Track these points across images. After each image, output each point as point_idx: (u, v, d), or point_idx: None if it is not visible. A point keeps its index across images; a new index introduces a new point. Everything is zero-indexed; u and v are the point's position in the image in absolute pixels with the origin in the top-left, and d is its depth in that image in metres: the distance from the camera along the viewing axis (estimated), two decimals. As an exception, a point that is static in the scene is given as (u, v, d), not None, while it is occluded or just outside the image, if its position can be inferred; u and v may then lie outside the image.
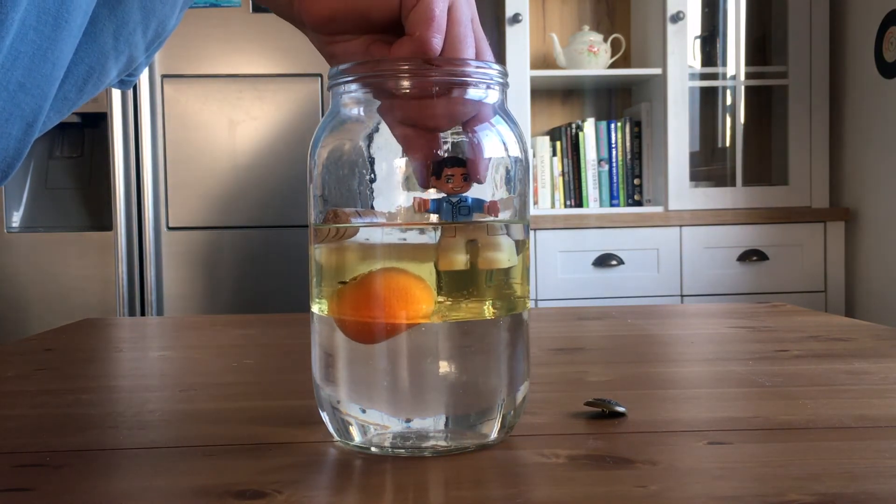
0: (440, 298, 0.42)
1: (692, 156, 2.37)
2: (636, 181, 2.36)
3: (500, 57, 2.32)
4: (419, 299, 0.42)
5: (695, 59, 2.44)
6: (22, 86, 0.36)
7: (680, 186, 2.23)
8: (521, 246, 0.45)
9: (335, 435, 0.45)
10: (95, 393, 0.61)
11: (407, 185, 0.42)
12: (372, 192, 0.43)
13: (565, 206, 2.35)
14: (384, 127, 0.44)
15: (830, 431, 0.46)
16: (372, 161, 0.43)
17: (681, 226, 2.19)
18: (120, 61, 0.42)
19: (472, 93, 0.44)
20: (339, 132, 0.45)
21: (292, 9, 0.46)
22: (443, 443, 0.43)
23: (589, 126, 2.35)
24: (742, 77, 2.38)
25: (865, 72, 2.20)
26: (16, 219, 2.05)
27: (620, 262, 2.16)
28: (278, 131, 2.03)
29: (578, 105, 2.58)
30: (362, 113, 0.45)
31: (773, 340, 0.79)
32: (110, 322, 1.05)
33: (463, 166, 0.42)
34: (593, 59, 2.32)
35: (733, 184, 2.32)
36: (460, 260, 0.42)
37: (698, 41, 2.46)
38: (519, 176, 0.45)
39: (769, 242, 2.22)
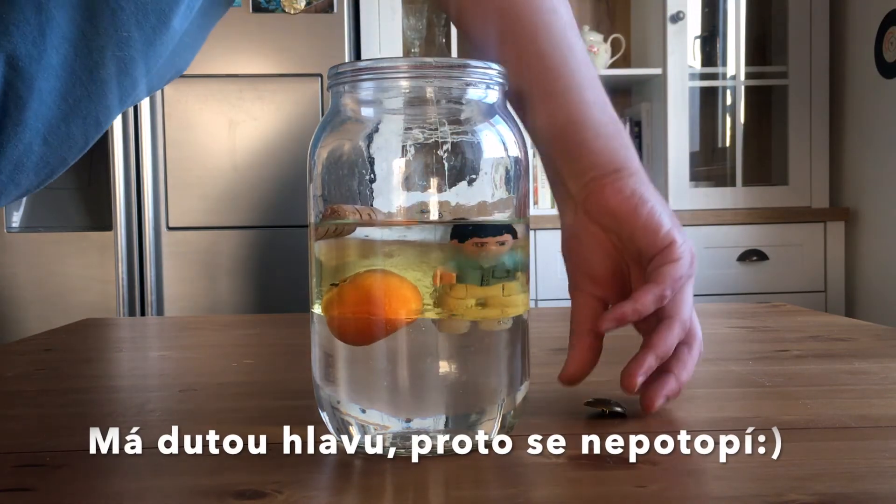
0: (436, 301, 0.42)
1: (692, 156, 2.36)
2: (636, 181, 2.36)
3: (500, 57, 2.32)
4: (404, 298, 0.42)
5: (695, 59, 2.44)
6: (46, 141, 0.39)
7: (680, 186, 2.23)
8: (522, 250, 0.45)
9: (335, 435, 0.45)
10: (95, 393, 0.61)
11: (406, 185, 0.42)
12: (372, 193, 0.43)
13: (565, 206, 2.35)
14: (384, 127, 0.44)
15: (830, 431, 0.46)
16: (372, 161, 0.43)
17: (681, 226, 2.18)
18: (117, 113, 0.44)
19: (472, 93, 0.44)
20: (339, 132, 0.45)
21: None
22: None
23: (589, 126, 2.34)
24: (742, 77, 2.38)
25: (865, 72, 2.20)
26: (16, 219, 2.05)
27: (620, 262, 2.16)
28: (278, 131, 2.03)
29: (578, 105, 2.58)
30: (362, 113, 0.45)
31: (773, 340, 0.79)
32: (110, 322, 1.05)
33: (491, 235, 0.42)
34: (593, 59, 2.32)
35: (733, 184, 2.32)
36: (463, 325, 0.42)
37: (698, 41, 2.46)
38: (519, 176, 0.45)
39: (769, 242, 2.21)
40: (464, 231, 0.42)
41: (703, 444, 0.44)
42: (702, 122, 2.54)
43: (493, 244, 0.43)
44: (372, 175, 0.43)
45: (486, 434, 0.44)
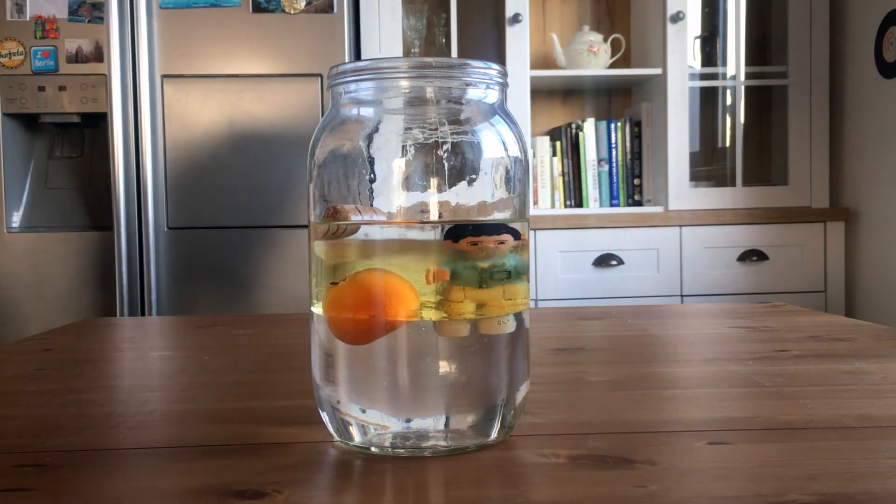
0: (438, 299, 0.42)
1: (692, 156, 2.36)
2: (636, 181, 2.36)
3: (501, 57, 2.32)
4: (403, 297, 0.42)
5: (695, 59, 2.44)
6: None
7: (680, 186, 2.23)
8: (521, 250, 0.45)
9: (335, 435, 0.45)
10: (95, 393, 0.61)
11: (406, 185, 0.42)
12: (371, 192, 0.43)
13: (565, 206, 2.35)
14: (384, 127, 0.44)
15: (830, 431, 0.46)
16: (371, 161, 0.43)
17: (681, 226, 2.19)
18: None
19: (472, 93, 0.44)
20: (339, 132, 0.45)
21: None
22: (443, 443, 0.43)
23: (589, 126, 2.35)
24: (742, 77, 2.38)
25: (865, 72, 2.20)
26: (16, 219, 2.05)
27: (620, 262, 2.16)
28: (278, 131, 2.03)
29: (578, 105, 2.58)
30: (362, 113, 0.45)
31: (773, 340, 0.79)
32: (110, 322, 1.05)
33: (486, 234, 0.42)
34: (593, 59, 2.32)
35: (733, 184, 2.32)
36: (464, 329, 0.42)
37: (698, 41, 2.46)
38: (518, 176, 0.45)
39: (769, 242, 2.21)
40: (457, 231, 0.42)
41: (703, 444, 0.44)
42: (702, 122, 2.54)
43: (491, 243, 0.42)
44: (372, 175, 0.43)
45: (486, 434, 0.44)
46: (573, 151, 2.36)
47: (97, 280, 2.01)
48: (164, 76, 2.01)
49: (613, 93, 2.59)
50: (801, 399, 0.54)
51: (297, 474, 0.40)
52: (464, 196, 0.43)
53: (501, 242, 0.43)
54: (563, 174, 2.36)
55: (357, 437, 0.43)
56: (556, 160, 2.35)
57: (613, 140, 2.35)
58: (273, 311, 2.02)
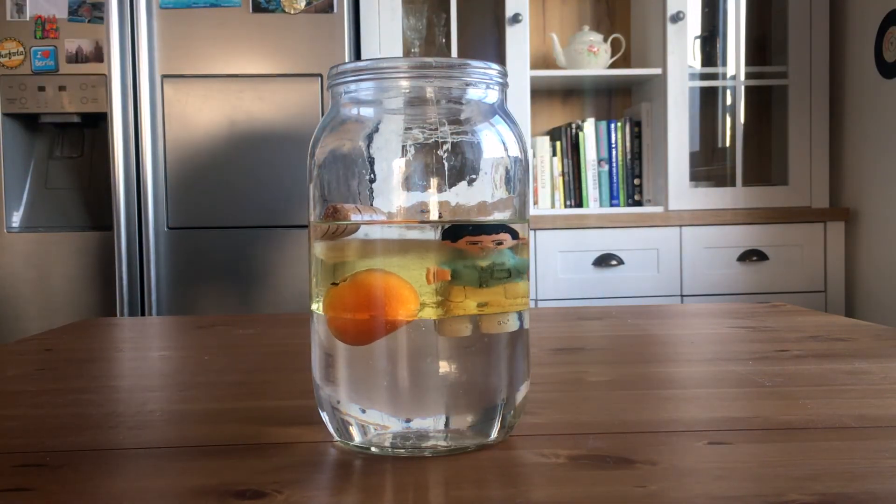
0: (438, 299, 0.42)
1: (692, 156, 2.36)
2: (636, 181, 2.36)
3: (500, 57, 2.32)
4: (402, 298, 0.42)
5: (695, 59, 2.44)
6: None
7: (680, 186, 2.23)
8: (521, 250, 0.45)
9: (335, 435, 0.45)
10: (95, 393, 0.61)
11: (406, 185, 0.42)
12: (371, 192, 0.43)
13: (565, 206, 2.35)
14: (384, 127, 0.44)
15: (830, 431, 0.46)
16: (371, 161, 0.43)
17: (681, 226, 2.19)
18: None
19: (472, 93, 0.44)
20: (339, 132, 0.45)
21: None
22: (443, 443, 0.43)
23: (589, 126, 2.35)
24: (742, 77, 2.38)
25: (865, 72, 2.20)
26: (16, 219, 2.05)
27: (620, 262, 2.16)
28: (278, 131, 2.03)
29: (578, 105, 2.58)
30: (362, 113, 0.45)
31: (773, 340, 0.79)
32: (110, 322, 1.04)
33: (485, 234, 0.42)
34: (593, 59, 2.32)
35: (733, 184, 2.32)
36: (465, 328, 0.42)
37: (698, 41, 2.46)
38: (518, 176, 0.45)
39: (769, 242, 2.21)
40: (455, 231, 0.42)
41: (703, 444, 0.44)
42: (702, 122, 2.54)
43: (489, 243, 0.42)
44: (372, 175, 0.43)
45: (486, 434, 0.44)
46: (573, 151, 2.36)
47: (97, 280, 2.01)
48: (164, 76, 2.01)
49: (613, 93, 2.59)
50: (801, 399, 0.54)
51: (297, 474, 0.40)
52: (464, 196, 0.43)
53: (499, 242, 0.43)
54: (563, 174, 2.36)
55: (357, 437, 0.43)
56: (556, 160, 2.35)
57: (613, 140, 2.35)
58: (273, 311, 2.02)
